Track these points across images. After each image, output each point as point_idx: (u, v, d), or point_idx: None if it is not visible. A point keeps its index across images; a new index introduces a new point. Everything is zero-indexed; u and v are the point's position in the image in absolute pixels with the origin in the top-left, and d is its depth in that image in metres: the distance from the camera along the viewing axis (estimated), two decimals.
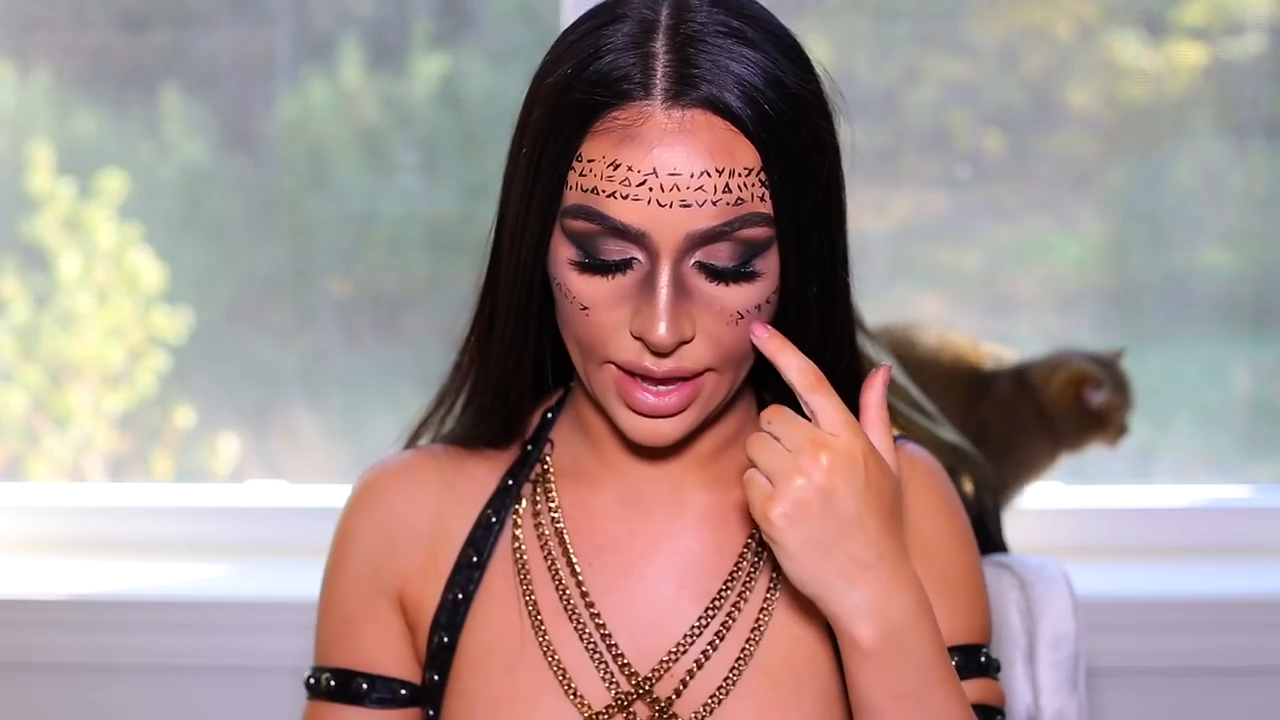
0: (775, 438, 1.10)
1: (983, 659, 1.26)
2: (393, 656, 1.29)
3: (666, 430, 1.17)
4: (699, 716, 1.21)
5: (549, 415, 1.31)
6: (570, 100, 1.13)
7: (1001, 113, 2.37)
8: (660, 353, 1.13)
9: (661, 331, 1.11)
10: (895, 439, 1.28)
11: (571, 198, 1.13)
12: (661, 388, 1.15)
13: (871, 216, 2.37)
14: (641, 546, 1.25)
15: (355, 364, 2.42)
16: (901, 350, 2.05)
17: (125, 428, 2.45)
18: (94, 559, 2.27)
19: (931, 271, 2.41)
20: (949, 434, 1.79)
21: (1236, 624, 2.09)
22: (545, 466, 1.28)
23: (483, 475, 1.30)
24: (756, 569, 1.24)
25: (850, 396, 1.15)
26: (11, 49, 2.40)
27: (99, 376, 2.44)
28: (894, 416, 1.68)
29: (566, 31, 1.18)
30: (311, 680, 1.31)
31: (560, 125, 1.13)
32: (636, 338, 1.14)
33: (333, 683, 1.29)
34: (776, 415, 1.11)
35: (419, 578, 1.28)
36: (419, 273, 2.43)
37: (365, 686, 1.29)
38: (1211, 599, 2.10)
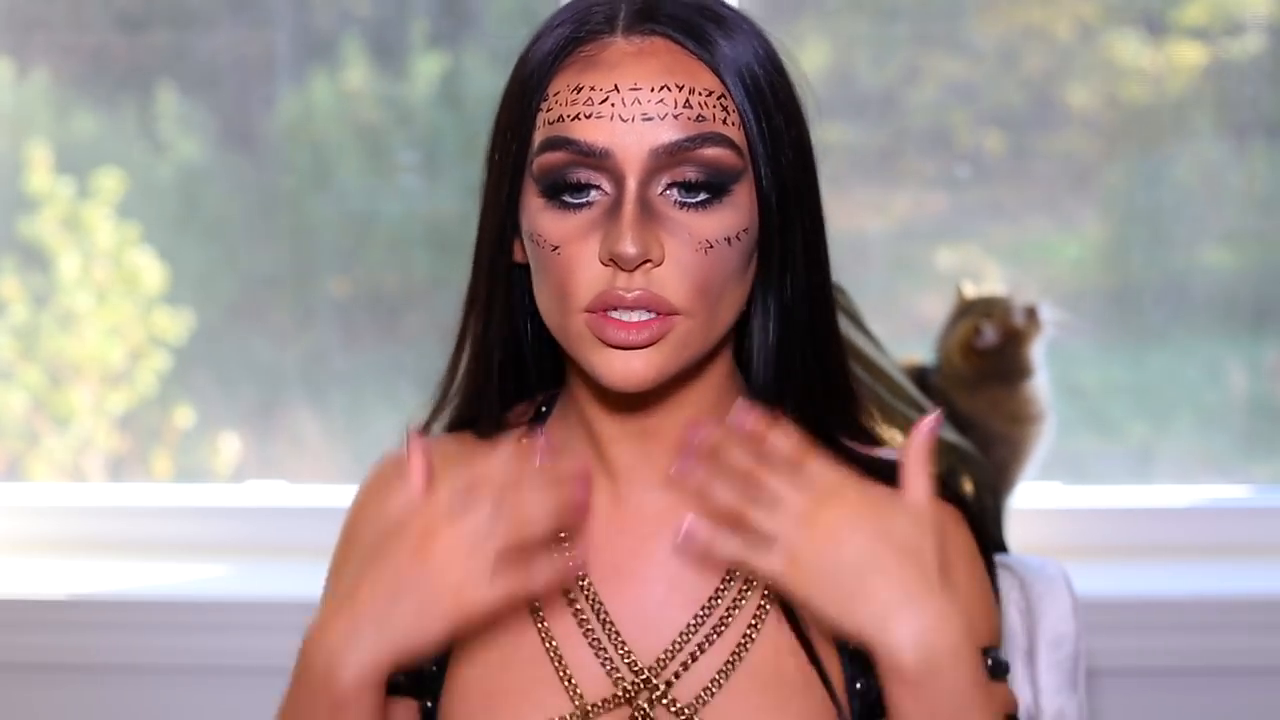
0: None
1: (989, 662, 1.26)
2: None
3: (639, 368, 1.16)
4: (690, 712, 1.22)
5: (543, 409, 1.32)
6: (539, 55, 1.19)
7: (1001, 113, 2.37)
8: (627, 267, 1.14)
9: (627, 243, 1.12)
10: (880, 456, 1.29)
11: (540, 136, 1.17)
12: (634, 316, 1.15)
13: (871, 216, 2.37)
14: (632, 547, 1.26)
15: (355, 364, 2.42)
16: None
17: (125, 427, 2.45)
18: (94, 559, 2.27)
19: (931, 271, 2.41)
20: (949, 434, 1.79)
21: (1236, 624, 2.09)
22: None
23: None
24: (751, 581, 1.24)
25: (819, 365, 1.24)
26: (10, 49, 2.40)
27: (99, 376, 2.44)
28: (893, 417, 1.68)
29: None
30: None
31: (530, 79, 1.19)
32: (607, 263, 1.15)
33: None
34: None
35: None
36: (419, 273, 2.43)
37: None
38: (1211, 599, 2.10)
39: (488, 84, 2.38)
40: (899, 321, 2.36)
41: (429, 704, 1.28)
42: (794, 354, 1.26)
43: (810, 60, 2.28)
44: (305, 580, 2.19)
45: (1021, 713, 1.50)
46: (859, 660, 1.23)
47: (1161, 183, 2.37)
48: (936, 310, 2.19)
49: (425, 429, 1.35)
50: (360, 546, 1.30)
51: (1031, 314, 2.07)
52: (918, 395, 1.86)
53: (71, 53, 2.41)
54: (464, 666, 1.26)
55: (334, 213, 2.41)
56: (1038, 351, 2.08)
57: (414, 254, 2.43)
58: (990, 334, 2.05)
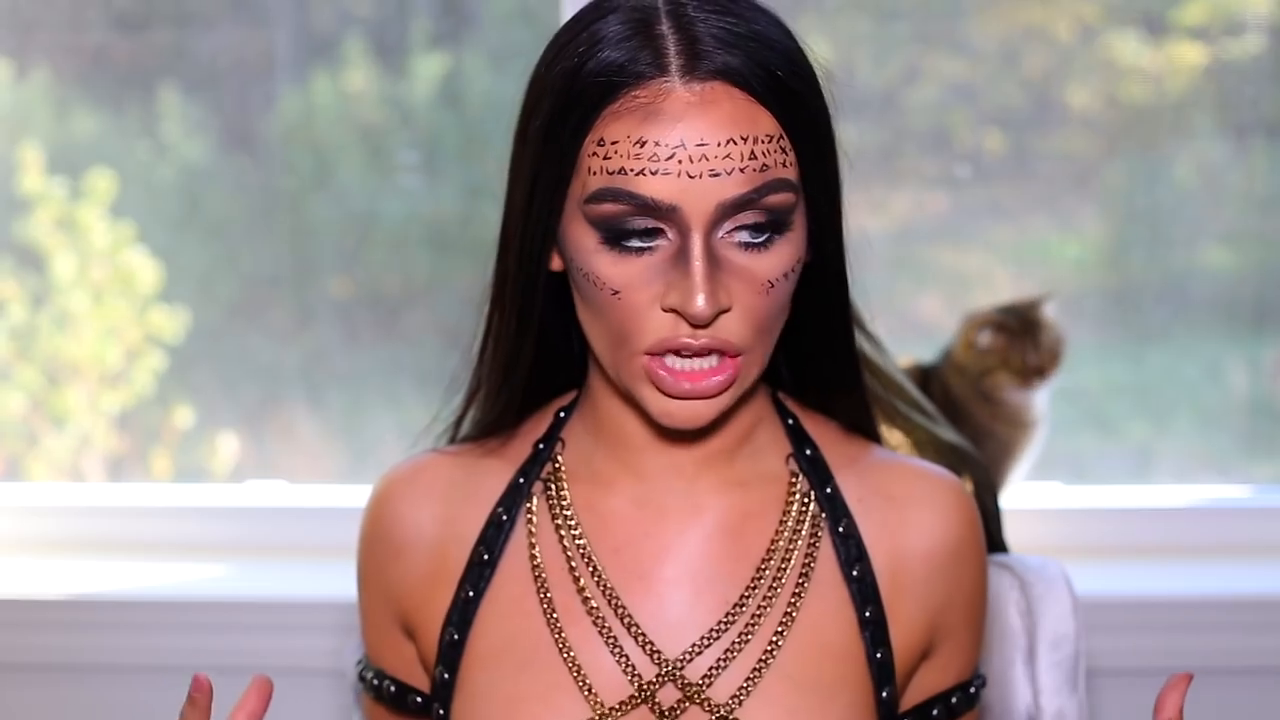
0: None
1: (972, 689, 1.29)
2: (398, 662, 1.33)
3: (701, 410, 1.17)
4: (725, 712, 1.21)
5: (561, 415, 1.31)
6: (581, 85, 1.14)
7: (1001, 113, 2.37)
8: (698, 324, 1.13)
9: (700, 303, 1.12)
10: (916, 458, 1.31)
11: (596, 182, 1.14)
12: (699, 364, 1.16)
13: (871, 216, 2.37)
14: (656, 550, 1.25)
15: (355, 364, 2.42)
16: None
17: (124, 427, 2.45)
18: (94, 559, 2.27)
19: (931, 271, 2.41)
20: (949, 434, 1.79)
21: (1236, 624, 2.09)
22: (556, 465, 1.28)
23: (494, 475, 1.30)
24: (780, 581, 1.24)
25: (839, 376, 1.28)
26: (10, 49, 2.40)
27: (97, 376, 2.44)
28: (894, 417, 1.68)
29: (560, 32, 1.19)
30: (360, 673, 1.36)
31: (572, 110, 1.15)
32: (670, 311, 1.14)
33: (375, 681, 1.34)
34: None
35: (424, 585, 1.29)
36: (419, 273, 2.43)
37: (393, 689, 1.32)
38: (1211, 599, 2.10)
39: (488, 84, 2.38)
40: (899, 321, 2.36)
41: (441, 712, 1.28)
42: (827, 353, 1.29)
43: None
44: (305, 580, 2.20)
45: (1022, 712, 1.50)
46: (885, 669, 1.23)
47: (1161, 183, 2.37)
48: (936, 310, 2.19)
49: (453, 434, 1.35)
50: (365, 576, 1.33)
51: (1037, 372, 2.06)
52: (918, 395, 1.85)
53: (71, 53, 2.41)
54: (477, 672, 1.26)
55: (334, 213, 2.41)
56: (1013, 393, 2.06)
57: (414, 254, 2.43)
58: (984, 338, 2.06)
